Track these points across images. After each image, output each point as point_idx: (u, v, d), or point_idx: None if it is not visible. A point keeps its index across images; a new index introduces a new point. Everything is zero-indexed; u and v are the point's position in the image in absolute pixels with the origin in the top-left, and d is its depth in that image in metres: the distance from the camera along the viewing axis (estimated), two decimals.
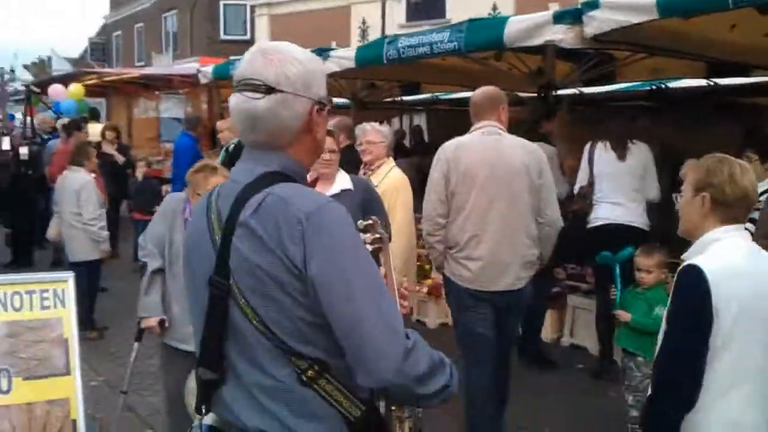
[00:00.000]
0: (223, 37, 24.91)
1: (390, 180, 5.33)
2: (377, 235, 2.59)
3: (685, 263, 2.56)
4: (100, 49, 36.45)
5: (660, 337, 2.61)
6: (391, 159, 5.57)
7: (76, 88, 12.94)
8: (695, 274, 2.47)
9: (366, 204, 4.38)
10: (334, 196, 4.36)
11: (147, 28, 31.79)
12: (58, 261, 9.07)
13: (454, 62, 7.69)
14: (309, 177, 4.04)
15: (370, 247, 2.57)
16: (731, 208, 2.61)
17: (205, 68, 10.25)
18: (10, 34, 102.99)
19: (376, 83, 9.96)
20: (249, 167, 1.90)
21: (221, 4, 25.60)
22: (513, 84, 7.62)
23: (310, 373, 1.77)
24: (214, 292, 1.82)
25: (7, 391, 3.74)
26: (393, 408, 2.00)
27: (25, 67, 36.34)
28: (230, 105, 1.92)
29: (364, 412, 1.81)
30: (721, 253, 2.56)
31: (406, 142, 12.80)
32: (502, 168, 4.41)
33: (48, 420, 3.80)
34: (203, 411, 1.92)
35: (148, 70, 17.93)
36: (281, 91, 1.83)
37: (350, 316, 1.73)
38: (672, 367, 2.52)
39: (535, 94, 6.80)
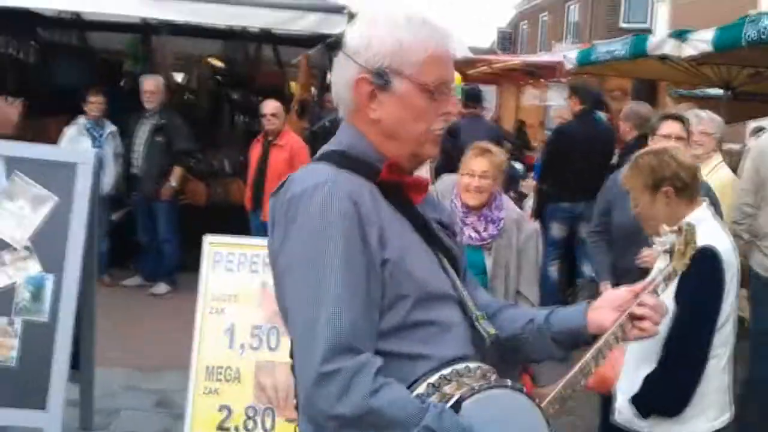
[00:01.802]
0: (622, 25, 24.08)
1: (715, 179, 4.63)
2: (669, 269, 1.93)
3: (701, 246, 2.38)
4: (507, 38, 37.62)
5: (672, 313, 2.62)
6: (719, 154, 4.84)
7: None
8: (714, 258, 2.63)
9: None
10: None
11: (551, 18, 32.07)
12: None
13: None
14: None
15: (660, 277, 1.88)
16: (691, 189, 2.80)
17: (570, 54, 9.89)
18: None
19: (761, 70, 8.71)
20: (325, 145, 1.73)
21: None
22: None
23: None
24: None
25: (275, 348, 3.98)
26: None
27: None
28: None
29: None
30: (714, 234, 2.72)
31: None
32: None
33: None
34: None
35: (527, 58, 18.09)
36: (341, 49, 1.63)
37: (289, 323, 1.53)
38: (691, 349, 2.68)
39: None
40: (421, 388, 1.51)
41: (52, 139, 7.55)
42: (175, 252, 7.65)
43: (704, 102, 9.23)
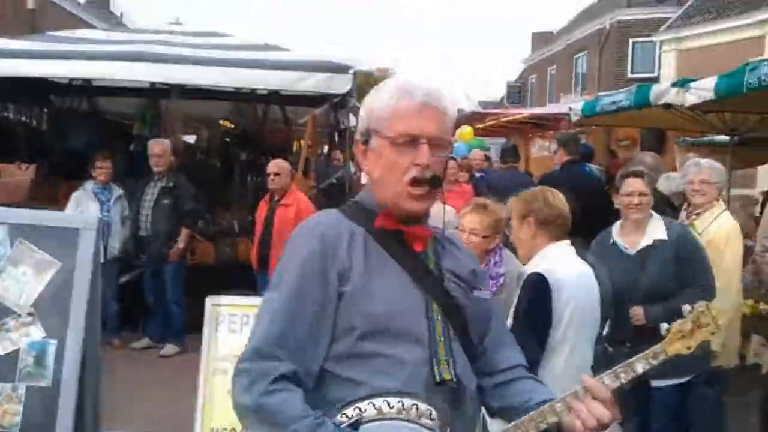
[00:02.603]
0: (630, 75, 24.30)
1: (718, 227, 4.61)
2: (657, 349, 1.76)
3: (530, 272, 3.17)
4: (516, 92, 37.96)
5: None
6: (722, 202, 4.81)
7: (464, 130, 13.61)
8: (540, 282, 3.10)
9: (682, 260, 3.88)
10: (646, 248, 3.94)
11: (559, 70, 32.36)
12: None
13: None
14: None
15: (642, 356, 1.75)
16: (552, 225, 3.26)
17: (575, 106, 9.94)
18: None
19: (766, 116, 8.67)
20: None
21: (630, 42, 25.08)
22: None
23: None
24: None
25: None
26: None
27: None
28: None
29: None
30: (557, 264, 3.15)
31: None
32: None
33: None
34: None
35: (534, 110, 18.28)
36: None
37: None
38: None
39: None
40: (349, 410, 1.68)
41: (64, 202, 7.65)
42: (181, 313, 7.63)
43: (712, 149, 9.24)
